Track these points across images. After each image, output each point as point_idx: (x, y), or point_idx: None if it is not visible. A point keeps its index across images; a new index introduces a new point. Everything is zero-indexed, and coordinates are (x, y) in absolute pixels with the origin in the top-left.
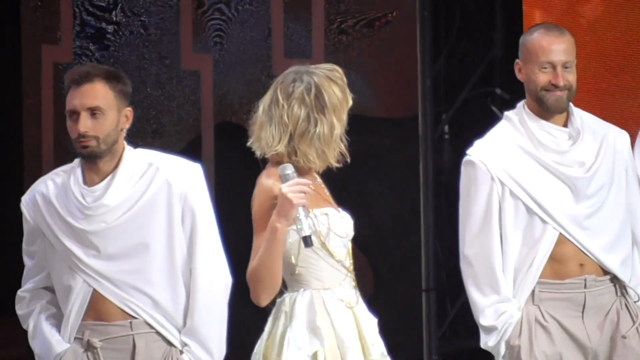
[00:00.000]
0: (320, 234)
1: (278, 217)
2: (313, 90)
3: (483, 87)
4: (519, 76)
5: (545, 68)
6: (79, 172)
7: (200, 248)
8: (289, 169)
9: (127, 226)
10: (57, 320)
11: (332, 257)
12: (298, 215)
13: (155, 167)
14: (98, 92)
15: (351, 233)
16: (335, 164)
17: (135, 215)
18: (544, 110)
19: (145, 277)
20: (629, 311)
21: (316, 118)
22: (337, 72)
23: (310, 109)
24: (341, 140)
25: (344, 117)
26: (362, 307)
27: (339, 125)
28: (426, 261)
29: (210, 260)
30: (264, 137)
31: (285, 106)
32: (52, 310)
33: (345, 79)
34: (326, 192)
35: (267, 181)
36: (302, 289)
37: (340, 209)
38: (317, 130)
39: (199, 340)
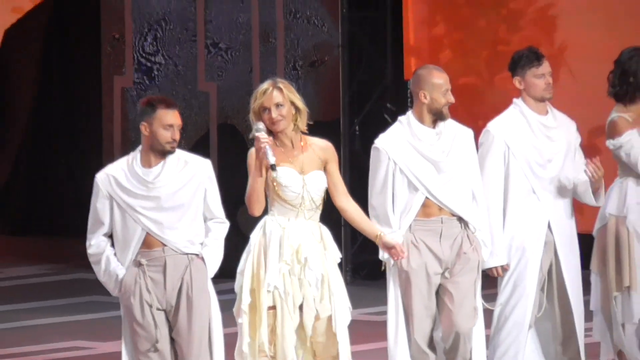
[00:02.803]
0: (273, 181)
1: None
2: None
3: (380, 103)
4: (423, 100)
5: (445, 91)
6: (138, 157)
7: (214, 207)
8: (260, 125)
9: (173, 195)
10: (117, 260)
11: (280, 198)
12: (266, 154)
13: (191, 165)
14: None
15: (299, 184)
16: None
17: (179, 190)
18: (436, 118)
19: (181, 221)
20: (469, 238)
21: None
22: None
23: None
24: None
25: (256, 112)
26: (295, 227)
27: (252, 117)
28: None
29: (220, 214)
30: None
31: None
32: (114, 252)
33: (262, 88)
34: (293, 155)
35: (250, 151)
36: (266, 215)
37: (297, 169)
38: None
39: (211, 244)
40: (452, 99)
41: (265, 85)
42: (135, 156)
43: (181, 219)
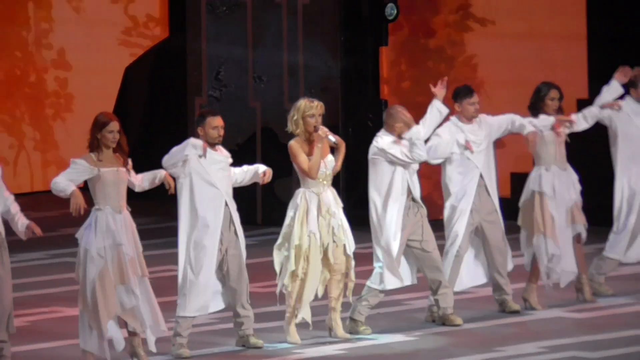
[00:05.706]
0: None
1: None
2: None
3: (364, 114)
4: (390, 127)
5: (399, 127)
6: (199, 146)
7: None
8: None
9: (226, 165)
10: None
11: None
12: (329, 138)
13: (225, 152)
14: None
15: (322, 166)
16: (314, 139)
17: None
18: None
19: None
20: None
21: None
22: (302, 102)
23: None
24: (309, 127)
25: (304, 116)
26: (324, 193)
27: (300, 119)
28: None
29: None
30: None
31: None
32: None
33: (313, 103)
34: (317, 147)
35: (293, 143)
36: (302, 188)
37: (327, 157)
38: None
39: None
40: (404, 133)
41: (315, 101)
42: (198, 143)
43: (230, 183)
